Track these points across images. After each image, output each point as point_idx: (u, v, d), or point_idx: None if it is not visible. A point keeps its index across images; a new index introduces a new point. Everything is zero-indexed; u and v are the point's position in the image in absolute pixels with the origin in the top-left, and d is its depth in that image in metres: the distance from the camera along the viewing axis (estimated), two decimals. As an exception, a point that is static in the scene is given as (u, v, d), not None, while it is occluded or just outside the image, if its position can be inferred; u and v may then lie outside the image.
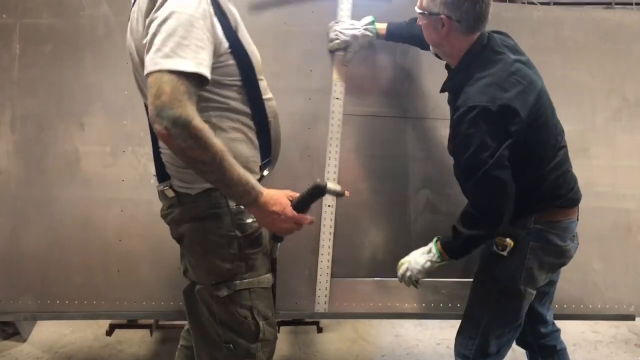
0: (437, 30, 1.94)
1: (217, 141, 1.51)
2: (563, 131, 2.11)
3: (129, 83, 2.54)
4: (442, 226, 2.67)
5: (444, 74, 2.14)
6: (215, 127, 1.63)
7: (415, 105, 2.67)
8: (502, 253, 2.04)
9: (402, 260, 2.17)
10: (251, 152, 1.77)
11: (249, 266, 1.78)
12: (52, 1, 2.55)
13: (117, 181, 2.55)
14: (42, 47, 2.54)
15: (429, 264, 2.08)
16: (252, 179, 1.62)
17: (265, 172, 1.84)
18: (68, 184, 2.53)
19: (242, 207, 1.71)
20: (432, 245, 2.09)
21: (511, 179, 1.87)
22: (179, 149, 1.48)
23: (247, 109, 1.73)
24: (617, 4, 10.67)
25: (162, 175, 1.79)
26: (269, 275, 1.85)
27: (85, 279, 2.53)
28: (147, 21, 1.54)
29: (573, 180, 2.13)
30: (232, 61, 1.65)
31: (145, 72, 1.47)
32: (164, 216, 1.88)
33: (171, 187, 1.76)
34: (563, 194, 2.05)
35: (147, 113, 1.53)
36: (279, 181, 2.28)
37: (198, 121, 1.46)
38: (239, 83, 1.69)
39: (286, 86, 2.58)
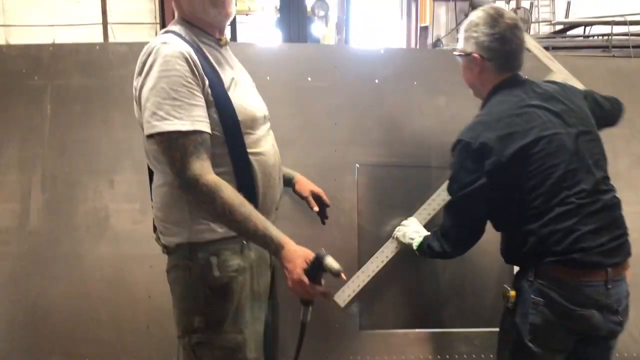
0: (471, 69, 2.04)
1: (227, 195, 1.60)
2: (590, 190, 1.91)
3: (157, 140, 2.63)
4: (470, 273, 2.68)
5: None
6: None
7: (437, 153, 2.70)
8: (507, 305, 1.99)
9: (410, 220, 2.50)
10: None
11: (212, 321, 1.72)
12: (83, 62, 2.62)
13: (147, 237, 2.52)
14: (73, 107, 2.60)
15: (410, 241, 2.36)
16: (274, 230, 1.65)
17: None
18: (97, 241, 2.55)
19: (213, 260, 1.70)
20: (424, 234, 2.29)
21: (481, 215, 1.97)
22: (196, 203, 1.65)
23: (226, 163, 1.72)
24: (614, 47, 10.91)
25: (155, 227, 1.89)
26: (237, 337, 1.74)
27: (114, 336, 2.52)
28: (136, 84, 1.67)
29: (588, 240, 1.87)
30: (215, 115, 1.69)
31: (147, 133, 1.61)
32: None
33: (158, 237, 1.86)
34: (562, 252, 1.86)
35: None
36: (306, 232, 2.31)
37: (205, 178, 1.59)
38: (218, 134, 1.70)
39: (311, 139, 2.62)
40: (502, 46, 1.95)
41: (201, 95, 1.64)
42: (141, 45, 2.83)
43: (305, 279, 1.62)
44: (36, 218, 2.53)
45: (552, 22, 13.44)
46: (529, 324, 1.92)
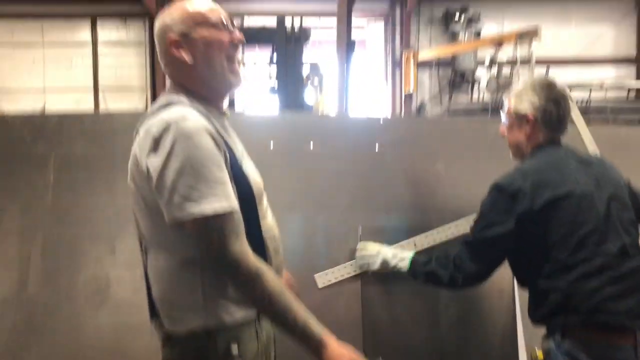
0: (521, 129, 2.17)
1: (269, 281, 1.49)
2: (617, 252, 1.94)
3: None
4: (472, 341, 2.67)
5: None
6: None
7: (437, 217, 2.74)
8: None
9: (377, 248, 2.45)
10: None
11: None
12: (87, 130, 2.66)
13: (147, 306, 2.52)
14: (76, 174, 2.62)
15: (394, 268, 2.34)
16: (315, 326, 1.52)
17: None
18: (97, 310, 2.51)
19: (234, 351, 1.56)
20: (407, 257, 2.30)
21: (499, 258, 2.06)
22: (234, 287, 1.54)
23: None
24: (592, 111, 11.26)
25: (152, 312, 1.73)
26: None
27: (112, 409, 2.43)
28: (148, 163, 1.52)
29: (615, 302, 1.90)
30: (234, 190, 1.58)
31: (182, 220, 1.47)
32: (162, 355, 1.73)
33: (160, 324, 1.68)
34: (588, 312, 1.88)
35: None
36: (307, 299, 2.30)
37: (246, 262, 1.48)
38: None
39: (314, 203, 2.65)
40: (556, 110, 2.12)
41: (226, 172, 1.54)
42: (144, 115, 2.91)
43: None
44: (35, 286, 2.49)
45: (532, 87, 13.84)
46: None
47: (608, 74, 14.62)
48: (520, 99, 2.17)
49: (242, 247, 1.50)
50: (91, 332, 2.49)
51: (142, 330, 2.48)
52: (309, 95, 5.51)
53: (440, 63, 15.22)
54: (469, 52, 14.38)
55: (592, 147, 2.82)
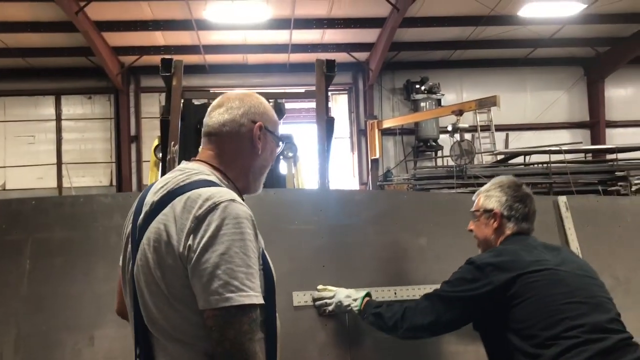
0: (488, 225, 2.28)
1: None
2: (595, 325, 1.93)
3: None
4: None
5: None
6: None
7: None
8: None
9: (332, 290, 2.47)
10: None
11: None
12: (66, 215, 2.58)
13: (128, 398, 2.37)
14: (53, 260, 2.51)
15: (347, 308, 2.39)
16: None
17: None
18: (74, 407, 2.34)
19: None
20: (360, 297, 2.37)
21: (445, 324, 2.13)
22: None
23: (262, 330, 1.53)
24: (553, 174, 11.57)
25: None
26: None
27: None
28: (191, 243, 1.43)
29: None
30: (262, 281, 1.54)
31: (209, 306, 1.39)
32: None
33: None
34: None
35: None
36: None
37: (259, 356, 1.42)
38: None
39: (301, 282, 2.59)
40: (522, 207, 2.25)
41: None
42: (126, 196, 2.86)
43: None
44: (7, 384, 2.33)
45: (494, 152, 14.31)
46: None
47: (564, 138, 15.22)
48: (488, 197, 2.31)
49: (258, 349, 1.43)
50: None
51: None
52: (283, 168, 5.54)
53: (403, 131, 15.62)
54: (431, 120, 14.82)
55: (574, 245, 2.93)
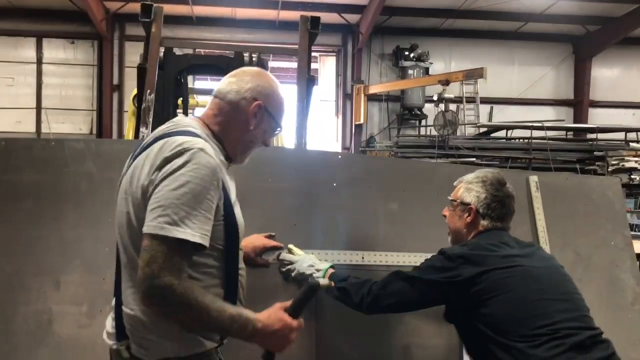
0: (462, 218, 2.27)
1: (199, 297, 1.53)
2: (569, 320, 1.96)
3: (110, 238, 2.53)
4: None
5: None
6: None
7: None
8: None
9: (298, 254, 2.43)
10: None
11: None
12: (36, 158, 2.54)
13: (93, 343, 2.40)
14: (22, 203, 2.49)
15: (307, 276, 2.34)
16: (244, 312, 1.63)
17: (225, 341, 1.79)
18: (37, 348, 2.36)
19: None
20: (323, 269, 2.34)
21: (409, 305, 2.18)
22: (162, 314, 1.57)
23: (219, 276, 1.72)
24: (534, 149, 11.72)
25: (120, 334, 1.71)
26: None
27: None
28: (153, 177, 1.58)
29: None
30: (222, 229, 1.70)
31: (145, 231, 1.52)
32: None
33: (127, 348, 1.68)
34: None
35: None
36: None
37: (181, 287, 1.51)
38: (221, 247, 1.71)
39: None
40: (500, 208, 2.23)
41: (214, 212, 1.61)
42: (99, 142, 2.84)
43: (297, 322, 1.69)
44: (-30, 322, 2.34)
45: (477, 124, 14.35)
46: None
47: (548, 115, 15.31)
48: (468, 190, 2.28)
49: (181, 275, 1.52)
50: (30, 372, 2.34)
51: (86, 369, 2.37)
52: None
53: (389, 97, 15.57)
54: (418, 89, 14.77)
55: (542, 235, 2.96)
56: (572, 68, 16.36)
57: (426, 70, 14.99)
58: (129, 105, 6.69)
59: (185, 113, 5.02)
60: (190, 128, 1.72)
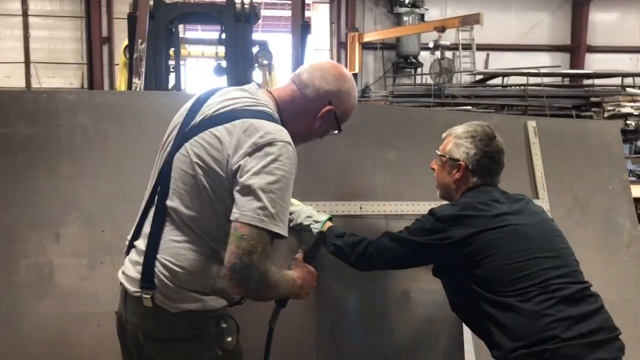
0: (451, 173, 2.21)
1: (277, 276, 1.66)
2: (558, 277, 1.94)
3: (107, 191, 2.52)
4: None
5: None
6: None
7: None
8: None
9: (296, 205, 2.42)
10: None
11: None
12: (28, 111, 2.50)
13: (94, 294, 2.42)
14: (16, 157, 2.46)
15: (305, 226, 2.36)
16: (290, 274, 1.80)
17: (243, 301, 1.89)
18: (40, 299, 2.38)
19: (223, 324, 1.76)
20: (321, 221, 2.34)
21: (403, 262, 2.19)
22: (247, 294, 1.66)
23: None
24: (530, 97, 11.66)
25: (147, 282, 1.72)
26: None
27: (57, 403, 2.34)
28: (243, 163, 1.61)
29: (563, 328, 1.82)
30: None
31: (243, 220, 1.57)
32: (130, 322, 1.80)
33: (152, 297, 1.71)
34: (533, 342, 1.83)
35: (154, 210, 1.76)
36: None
37: (271, 272, 1.62)
38: None
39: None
40: (489, 164, 2.17)
41: None
42: (91, 94, 2.79)
43: (313, 270, 1.92)
44: (-28, 276, 2.34)
45: (473, 72, 14.22)
46: None
47: (544, 61, 15.15)
48: (457, 145, 2.20)
49: (271, 262, 1.63)
50: (33, 323, 2.35)
51: (89, 320, 2.39)
52: (258, 76, 5.42)
53: (385, 46, 15.34)
54: (413, 36, 14.55)
55: (540, 181, 2.94)
56: (569, 13, 16.10)
57: (422, 16, 14.73)
58: (120, 58, 6.57)
59: (177, 63, 4.93)
60: (269, 110, 1.75)
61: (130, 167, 2.53)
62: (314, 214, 2.40)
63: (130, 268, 1.80)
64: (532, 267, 1.94)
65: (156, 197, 1.78)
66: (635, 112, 12.06)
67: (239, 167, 1.61)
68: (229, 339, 1.77)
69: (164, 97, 2.81)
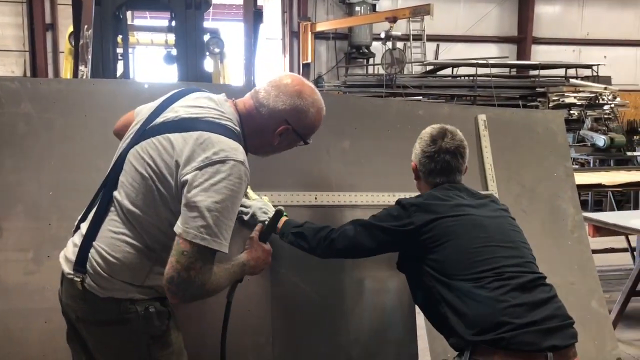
0: (414, 174, 2.34)
1: (215, 280, 1.71)
2: (511, 265, 1.99)
3: (53, 182, 2.44)
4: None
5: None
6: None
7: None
8: None
9: (251, 199, 2.39)
10: None
11: None
12: (-34, 99, 2.38)
13: (40, 289, 2.34)
14: (-45, 148, 2.34)
15: (260, 221, 2.28)
16: (237, 261, 1.93)
17: None
18: (-17, 297, 2.29)
19: (152, 309, 1.77)
20: (272, 211, 2.29)
21: (366, 247, 2.19)
22: (184, 302, 1.70)
23: None
24: (478, 87, 11.91)
25: (79, 265, 1.76)
26: None
27: (3, 402, 2.26)
28: (192, 177, 1.63)
29: (516, 314, 1.85)
30: None
31: (186, 236, 1.60)
32: (63, 302, 1.88)
33: (82, 281, 1.75)
34: (487, 329, 1.85)
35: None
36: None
37: (210, 281, 1.68)
38: None
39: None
40: (429, 164, 2.25)
41: None
42: (35, 81, 2.67)
43: (267, 247, 2.10)
44: None
45: (424, 62, 14.41)
46: None
47: (493, 52, 15.50)
48: (414, 148, 2.33)
49: (210, 275, 1.69)
50: (-24, 321, 2.27)
51: (36, 317, 2.32)
52: (209, 64, 5.33)
53: (337, 36, 15.36)
54: (365, 26, 14.61)
55: (490, 172, 3.01)
56: (516, 4, 16.51)
57: (373, 7, 14.81)
58: (65, 45, 6.34)
59: (126, 51, 4.79)
60: (231, 125, 1.78)
61: (76, 158, 2.45)
62: (267, 209, 2.35)
63: (69, 250, 1.84)
64: (487, 254, 2.00)
65: (105, 186, 1.82)
66: (578, 102, 12.52)
67: (187, 179, 1.64)
68: (157, 323, 1.78)
69: (112, 85, 2.73)
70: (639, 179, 5.93)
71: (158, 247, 1.73)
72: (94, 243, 1.75)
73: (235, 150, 1.69)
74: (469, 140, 3.02)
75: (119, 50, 4.85)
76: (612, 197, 7.46)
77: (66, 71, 6.47)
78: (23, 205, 2.38)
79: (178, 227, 1.62)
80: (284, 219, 2.32)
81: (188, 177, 1.64)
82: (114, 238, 1.74)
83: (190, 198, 1.62)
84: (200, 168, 1.63)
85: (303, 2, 15.03)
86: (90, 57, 3.65)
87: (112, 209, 1.77)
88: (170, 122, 1.77)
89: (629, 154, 9.79)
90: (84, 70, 3.60)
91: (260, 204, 2.41)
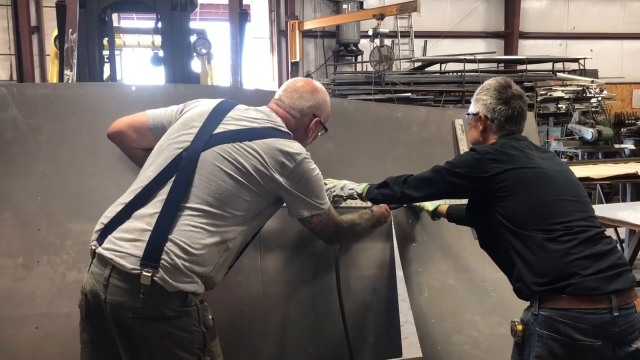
0: (476, 128, 2.36)
1: (348, 223, 2.32)
2: (579, 220, 2.07)
3: (42, 187, 2.42)
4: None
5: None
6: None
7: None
8: (515, 339, 2.06)
9: (333, 182, 2.65)
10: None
11: (212, 358, 1.94)
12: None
13: (31, 295, 2.33)
14: (-58, 154, 2.33)
15: (350, 191, 2.58)
16: (367, 215, 2.50)
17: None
18: (-28, 304, 2.27)
19: (205, 302, 1.93)
20: (362, 185, 2.55)
21: (441, 192, 2.33)
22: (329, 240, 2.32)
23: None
24: (466, 82, 11.92)
25: (150, 260, 1.80)
26: None
27: (-6, 410, 2.24)
28: (284, 178, 2.00)
29: (583, 266, 1.96)
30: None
31: (314, 212, 2.11)
32: (113, 302, 1.82)
33: (152, 275, 1.78)
34: (557, 279, 1.95)
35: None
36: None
37: (341, 226, 2.25)
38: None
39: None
40: (506, 109, 2.30)
41: None
42: (22, 87, 2.66)
43: (387, 208, 2.64)
44: None
45: (412, 59, 14.43)
46: (534, 357, 1.96)
47: (480, 47, 15.56)
48: (476, 100, 2.37)
49: (339, 224, 2.25)
50: (-34, 329, 2.25)
51: (26, 323, 2.31)
52: (196, 65, 5.31)
53: (325, 34, 15.34)
54: (353, 24, 14.61)
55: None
56: (502, 1, 16.57)
57: (360, 4, 14.81)
58: (51, 48, 6.29)
59: (112, 54, 4.77)
60: (285, 130, 2.10)
61: (65, 162, 2.45)
62: (354, 185, 2.58)
63: (125, 245, 1.84)
64: (559, 207, 2.09)
65: (171, 184, 1.91)
66: (566, 96, 12.59)
67: (282, 180, 1.99)
68: (210, 316, 1.93)
69: (99, 88, 2.71)
70: (626, 171, 5.96)
71: (231, 239, 1.94)
72: (170, 236, 1.83)
73: (302, 148, 2.06)
74: (446, 144, 3.07)
75: (106, 53, 4.82)
76: (600, 189, 7.51)
77: (52, 75, 6.42)
78: (11, 210, 2.37)
79: (300, 212, 2.09)
80: (368, 186, 2.54)
81: (283, 178, 1.99)
82: (193, 231, 1.86)
83: (297, 192, 2.04)
84: (292, 170, 2.00)
85: (290, 1, 15.01)
86: (75, 61, 3.63)
87: (189, 204, 1.88)
88: (244, 130, 2.02)
89: (616, 146, 9.84)
90: (70, 74, 3.57)
91: (342, 183, 2.65)
